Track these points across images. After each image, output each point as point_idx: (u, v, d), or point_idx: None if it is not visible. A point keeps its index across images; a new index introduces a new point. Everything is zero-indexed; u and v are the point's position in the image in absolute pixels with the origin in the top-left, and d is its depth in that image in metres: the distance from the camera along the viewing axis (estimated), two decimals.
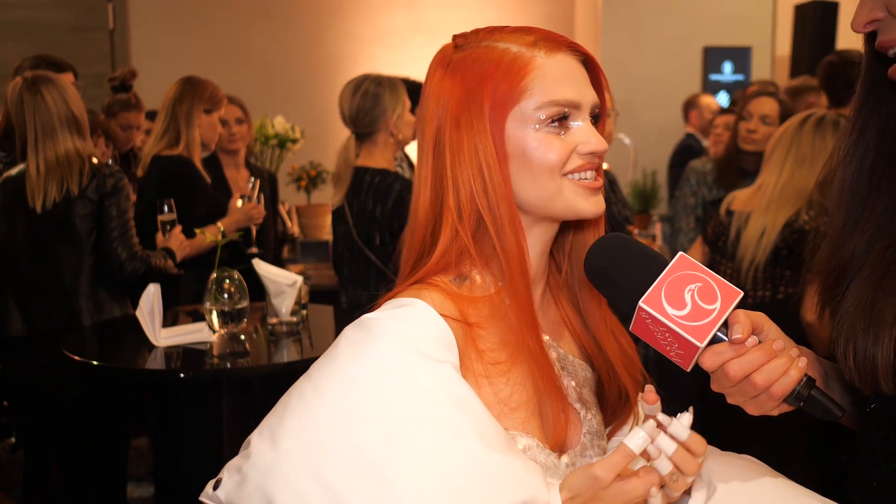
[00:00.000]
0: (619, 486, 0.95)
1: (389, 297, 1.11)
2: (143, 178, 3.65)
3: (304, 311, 3.00)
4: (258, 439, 1.02)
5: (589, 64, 1.15)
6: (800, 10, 6.12)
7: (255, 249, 3.69)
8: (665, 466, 0.95)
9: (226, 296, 2.79)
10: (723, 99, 6.41)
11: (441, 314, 1.05)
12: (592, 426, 1.20)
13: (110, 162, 3.50)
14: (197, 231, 3.17)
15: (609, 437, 1.24)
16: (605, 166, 4.57)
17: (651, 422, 0.96)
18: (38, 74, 3.08)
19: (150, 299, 2.73)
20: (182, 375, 2.64)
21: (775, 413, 1.02)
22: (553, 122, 1.09)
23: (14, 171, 3.08)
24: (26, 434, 3.21)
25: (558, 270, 1.26)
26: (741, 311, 0.98)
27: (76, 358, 2.62)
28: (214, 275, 2.80)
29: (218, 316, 2.78)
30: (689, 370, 1.01)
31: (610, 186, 4.33)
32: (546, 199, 1.10)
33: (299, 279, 2.95)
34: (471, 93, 1.10)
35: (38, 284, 3.02)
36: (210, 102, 3.63)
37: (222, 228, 3.41)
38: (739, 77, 6.70)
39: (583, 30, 6.91)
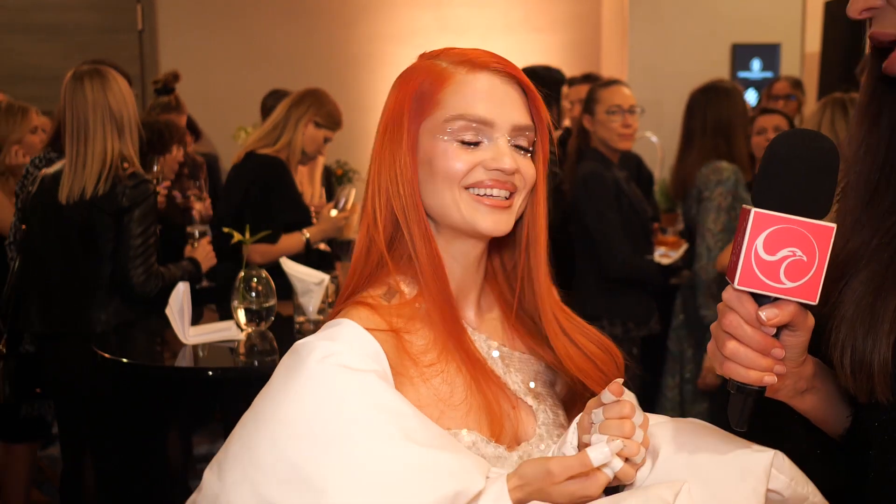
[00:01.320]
0: (570, 485, 0.98)
1: (331, 313, 1.20)
2: (233, 172, 3.61)
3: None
4: (209, 473, 1.06)
5: (526, 90, 1.19)
6: (829, 8, 6.04)
7: (324, 246, 3.66)
8: (611, 465, 0.98)
9: (253, 294, 2.81)
10: (751, 96, 6.34)
11: (369, 328, 1.10)
12: (548, 417, 1.23)
13: (156, 168, 3.48)
14: (225, 230, 3.19)
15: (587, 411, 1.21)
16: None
17: (618, 442, 0.98)
18: (90, 66, 3.01)
19: (181, 297, 2.76)
20: (210, 373, 2.67)
21: None
22: (459, 135, 1.14)
23: (56, 166, 3.05)
24: (60, 433, 3.24)
25: (504, 276, 1.30)
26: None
27: (105, 355, 2.65)
28: (242, 273, 2.83)
29: (245, 314, 2.80)
30: (734, 282, 0.91)
31: (639, 185, 4.31)
32: (444, 208, 1.16)
33: (326, 278, 2.97)
34: (398, 102, 1.18)
35: (62, 284, 2.99)
36: (325, 118, 3.61)
37: (308, 236, 3.47)
38: (768, 74, 6.63)
39: (610, 28, 6.88)
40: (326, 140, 3.69)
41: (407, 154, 1.16)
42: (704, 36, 6.53)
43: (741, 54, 6.71)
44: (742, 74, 6.69)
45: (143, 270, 2.92)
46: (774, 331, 0.93)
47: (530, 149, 1.20)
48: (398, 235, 1.19)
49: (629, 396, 1.07)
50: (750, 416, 0.94)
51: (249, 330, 2.82)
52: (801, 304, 0.91)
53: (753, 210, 0.89)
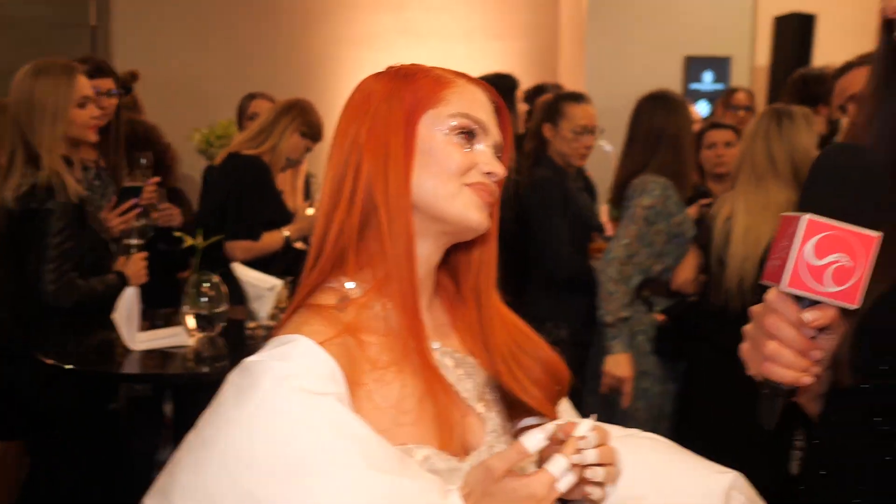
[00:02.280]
0: (511, 482, 0.97)
1: (284, 318, 1.17)
2: (215, 172, 3.69)
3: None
4: (151, 502, 1.00)
5: (499, 111, 1.23)
6: (779, 22, 6.19)
7: (302, 245, 3.68)
8: (559, 467, 0.98)
9: (204, 299, 2.79)
10: (703, 108, 6.47)
11: (323, 341, 1.06)
12: (496, 425, 1.22)
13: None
14: (176, 234, 3.17)
15: (522, 431, 1.23)
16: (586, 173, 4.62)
17: (550, 425, 0.99)
18: (43, 61, 2.89)
19: (128, 302, 2.73)
20: (157, 380, 2.65)
21: None
22: (462, 132, 1.16)
23: None
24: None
25: (454, 285, 1.29)
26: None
27: (48, 361, 2.59)
28: (193, 277, 2.81)
29: (195, 319, 2.79)
30: (782, 284, 0.95)
31: (590, 192, 4.37)
32: (443, 198, 1.15)
33: (279, 283, 2.96)
34: (395, 90, 1.17)
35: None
36: (310, 129, 3.70)
37: (287, 234, 3.51)
38: (719, 86, 6.77)
39: (567, 37, 6.95)
40: (308, 149, 3.78)
41: (403, 143, 1.15)
42: (658, 47, 6.64)
43: (693, 66, 6.84)
44: (694, 86, 6.83)
45: (54, 278, 2.72)
46: (814, 333, 0.97)
47: None
48: (366, 230, 1.16)
49: (586, 425, 1.05)
50: (779, 415, 0.98)
51: (199, 336, 2.80)
52: (842, 307, 0.95)
53: (806, 216, 0.92)
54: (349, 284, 1.17)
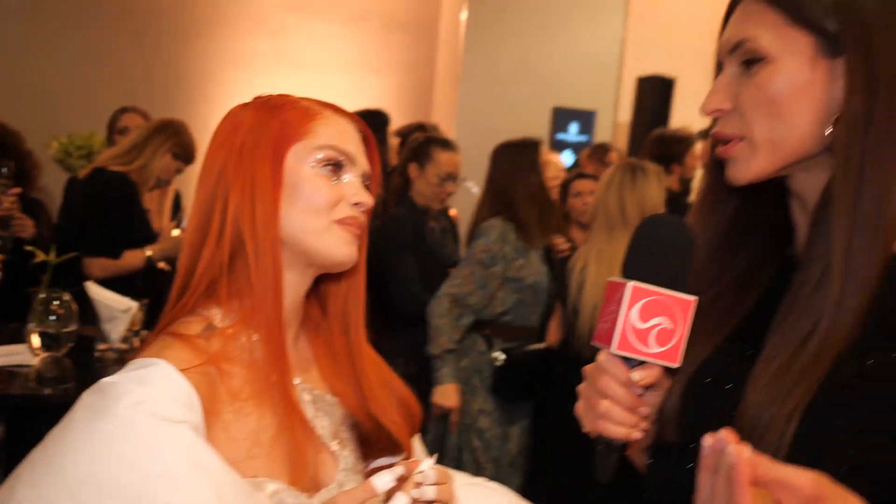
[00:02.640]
0: None
1: (146, 342, 1.15)
2: (79, 186, 3.54)
3: (138, 339, 2.92)
4: None
5: (367, 141, 1.26)
6: (641, 83, 6.59)
7: (165, 265, 3.60)
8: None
9: (53, 318, 2.68)
10: (567, 158, 6.78)
11: (184, 368, 1.05)
12: (349, 463, 1.23)
13: None
14: (27, 248, 3.03)
15: (374, 471, 1.25)
16: (452, 212, 4.73)
17: (399, 467, 1.01)
18: None
19: None
20: None
21: None
22: (328, 164, 1.17)
23: None
24: None
25: (322, 313, 1.30)
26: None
27: None
28: (42, 295, 2.69)
29: (41, 338, 2.67)
30: (612, 347, 1.01)
31: (452, 232, 4.48)
32: (311, 234, 1.16)
33: (134, 305, 2.88)
34: (262, 122, 1.17)
35: None
36: (182, 150, 3.65)
37: (149, 253, 3.41)
38: (583, 138, 7.12)
39: (443, 78, 7.13)
40: (179, 171, 3.73)
41: (271, 176, 1.14)
42: (529, 95, 6.92)
43: (560, 117, 7.16)
44: (560, 136, 7.15)
45: None
46: (642, 391, 1.05)
47: None
48: (235, 262, 1.15)
49: (427, 463, 1.07)
50: (613, 469, 1.04)
51: (44, 355, 2.68)
52: (665, 366, 1.02)
53: (631, 283, 0.99)
54: (216, 314, 1.16)
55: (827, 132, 1.03)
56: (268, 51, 6.62)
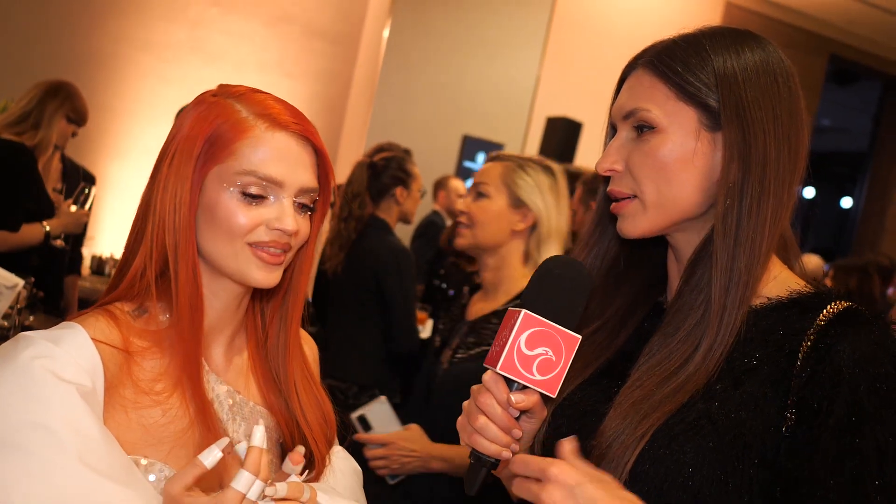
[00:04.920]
0: (193, 499, 0.98)
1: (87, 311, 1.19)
2: None
3: (21, 318, 2.83)
4: None
5: (319, 153, 1.25)
6: (550, 122, 6.80)
7: (61, 242, 3.49)
8: (243, 482, 0.97)
9: None
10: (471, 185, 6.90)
11: (100, 340, 1.11)
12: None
13: None
14: None
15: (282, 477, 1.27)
16: None
17: (226, 439, 0.99)
18: None
19: None
20: None
21: None
22: (245, 194, 1.16)
23: None
24: None
25: (263, 328, 1.33)
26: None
27: None
28: None
29: None
30: (497, 367, 1.07)
31: None
32: (220, 257, 1.19)
33: (20, 283, 2.79)
34: (191, 136, 1.17)
35: None
36: (76, 114, 3.56)
37: (48, 229, 3.29)
38: None
39: (358, 91, 7.15)
40: (74, 135, 3.66)
41: (188, 192, 1.16)
42: (441, 120, 7.03)
43: (469, 146, 7.31)
44: (467, 164, 7.28)
45: None
46: (518, 414, 1.11)
47: (312, 206, 1.24)
48: (167, 265, 1.18)
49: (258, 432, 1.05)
50: (481, 484, 1.10)
51: None
52: (543, 395, 1.09)
53: (523, 312, 1.06)
54: (155, 306, 1.19)
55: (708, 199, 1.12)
56: (183, 41, 6.48)
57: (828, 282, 4.99)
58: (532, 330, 1.06)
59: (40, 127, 3.44)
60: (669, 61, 1.13)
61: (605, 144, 1.21)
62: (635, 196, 1.16)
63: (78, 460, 0.98)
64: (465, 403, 1.15)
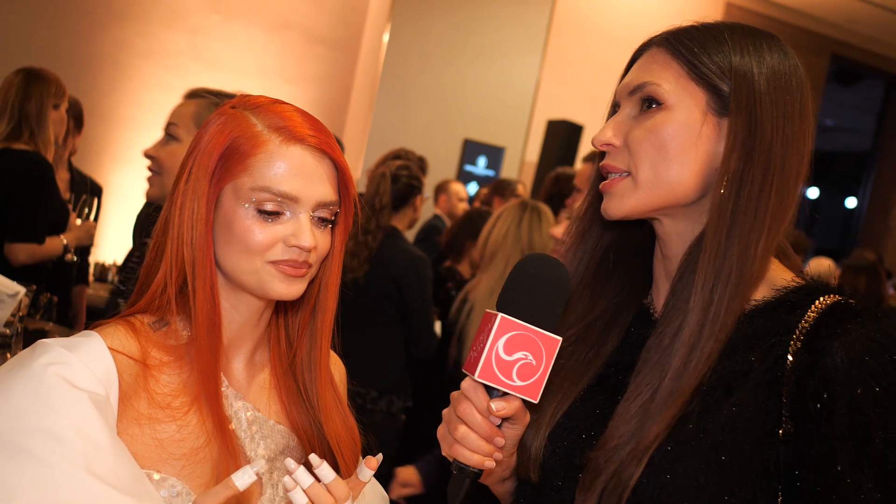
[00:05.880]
0: None
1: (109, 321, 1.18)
2: None
3: (21, 325, 2.83)
4: None
5: (338, 165, 1.21)
6: (551, 125, 6.80)
7: (71, 256, 3.46)
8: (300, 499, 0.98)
9: None
10: (472, 188, 6.90)
11: (117, 350, 1.10)
12: (277, 494, 1.21)
13: None
14: None
15: None
16: None
17: (262, 461, 1.00)
18: None
19: None
20: None
21: None
22: (260, 210, 1.14)
23: None
24: None
25: (287, 342, 1.31)
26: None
27: None
28: None
29: None
30: (475, 374, 1.03)
31: None
32: (239, 273, 1.17)
33: (22, 290, 2.78)
34: (207, 151, 1.16)
35: None
36: (57, 97, 3.36)
37: (66, 242, 3.27)
38: (490, 172, 7.27)
39: (358, 96, 7.15)
40: (70, 116, 3.59)
41: (204, 208, 1.14)
42: (442, 125, 7.03)
43: (470, 150, 7.31)
44: (468, 167, 7.28)
45: None
46: (499, 422, 1.06)
47: (332, 220, 1.21)
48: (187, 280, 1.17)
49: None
50: (465, 494, 1.06)
51: None
52: (525, 401, 1.04)
53: (500, 315, 1.01)
54: (176, 320, 1.18)
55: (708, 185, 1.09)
56: (183, 48, 6.49)
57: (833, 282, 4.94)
58: (510, 334, 1.01)
59: (35, 131, 3.28)
60: (686, 41, 1.11)
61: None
62: (628, 173, 1.12)
63: (84, 469, 0.98)
64: (445, 412, 1.10)
